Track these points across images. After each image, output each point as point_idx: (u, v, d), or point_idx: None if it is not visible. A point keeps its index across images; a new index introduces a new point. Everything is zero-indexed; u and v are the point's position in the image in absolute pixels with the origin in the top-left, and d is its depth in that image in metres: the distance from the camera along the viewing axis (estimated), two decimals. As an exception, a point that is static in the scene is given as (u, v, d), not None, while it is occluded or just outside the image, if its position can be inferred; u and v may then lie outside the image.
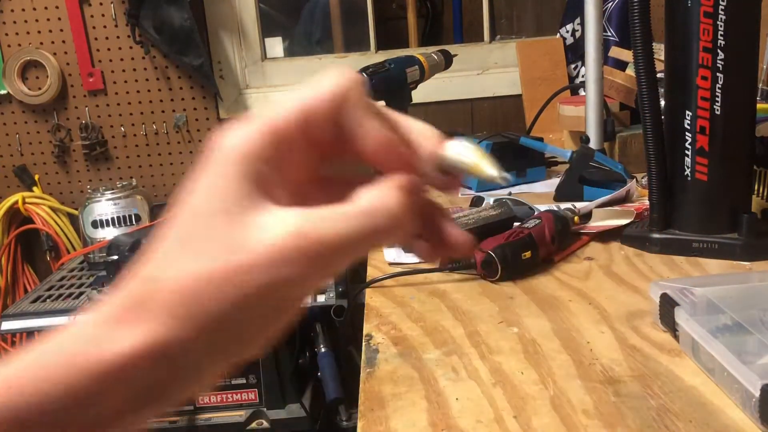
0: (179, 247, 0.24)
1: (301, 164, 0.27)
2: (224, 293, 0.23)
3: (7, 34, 1.72)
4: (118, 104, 1.78)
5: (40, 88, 1.74)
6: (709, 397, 0.50)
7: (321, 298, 1.23)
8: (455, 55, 1.37)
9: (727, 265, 0.75)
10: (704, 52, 0.74)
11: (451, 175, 0.29)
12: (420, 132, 0.29)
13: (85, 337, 0.23)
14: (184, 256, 0.24)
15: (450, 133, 1.32)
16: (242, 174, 0.25)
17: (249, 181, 0.25)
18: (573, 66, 1.68)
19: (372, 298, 0.74)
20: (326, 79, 0.27)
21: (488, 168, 0.29)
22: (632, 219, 0.87)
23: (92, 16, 1.72)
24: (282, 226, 0.24)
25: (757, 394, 0.44)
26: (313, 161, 0.28)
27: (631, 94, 1.26)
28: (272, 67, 1.85)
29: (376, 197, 0.26)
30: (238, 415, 1.29)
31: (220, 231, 0.24)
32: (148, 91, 1.77)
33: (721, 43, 0.73)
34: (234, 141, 0.25)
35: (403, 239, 0.29)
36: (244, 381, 1.29)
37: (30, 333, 1.36)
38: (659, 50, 0.79)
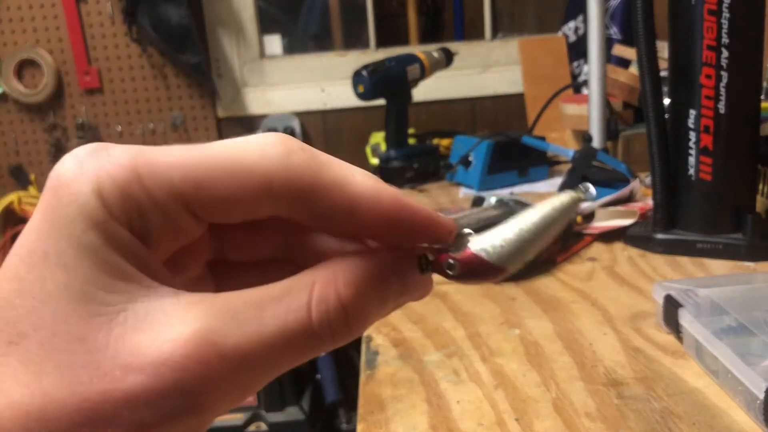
0: (24, 366, 0.17)
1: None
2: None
3: (3, 33, 1.71)
4: (115, 103, 1.77)
5: (36, 87, 1.73)
6: (713, 399, 0.49)
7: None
8: (456, 53, 1.36)
9: (732, 266, 0.75)
10: (708, 50, 0.73)
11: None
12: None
13: None
14: (32, 376, 0.17)
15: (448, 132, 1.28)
16: (103, 235, 0.18)
17: (113, 248, 0.18)
18: (575, 64, 1.67)
19: (371, 298, 0.73)
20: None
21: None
22: (636, 219, 0.86)
23: (89, 14, 1.71)
24: (180, 326, 0.17)
25: (762, 396, 0.44)
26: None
27: (634, 92, 1.25)
28: (271, 65, 1.84)
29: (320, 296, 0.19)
30: (237, 418, 1.29)
31: (83, 337, 0.17)
32: (145, 89, 1.76)
33: (725, 41, 0.72)
34: (85, 185, 0.18)
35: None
36: (243, 382, 1.28)
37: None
38: (663, 48, 0.79)
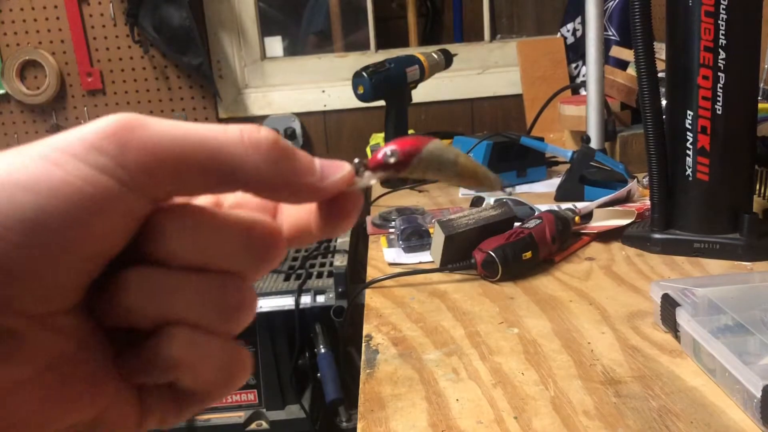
0: None
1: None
2: None
3: (5, 34, 1.72)
4: (117, 104, 1.78)
5: (38, 88, 1.74)
6: (710, 397, 0.50)
7: (321, 299, 1.23)
8: (455, 55, 1.37)
9: (729, 266, 0.75)
10: (705, 52, 0.74)
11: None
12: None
13: None
14: None
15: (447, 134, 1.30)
16: None
17: None
18: (574, 65, 1.68)
19: (372, 298, 0.74)
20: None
21: (486, 173, 0.25)
22: (633, 219, 0.86)
23: (91, 16, 1.71)
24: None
25: (759, 394, 0.44)
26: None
27: (632, 93, 1.26)
28: (272, 66, 1.85)
29: None
30: (237, 417, 1.29)
31: None
32: (147, 90, 1.77)
33: (722, 43, 0.73)
34: None
35: None
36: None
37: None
38: (660, 49, 0.79)
